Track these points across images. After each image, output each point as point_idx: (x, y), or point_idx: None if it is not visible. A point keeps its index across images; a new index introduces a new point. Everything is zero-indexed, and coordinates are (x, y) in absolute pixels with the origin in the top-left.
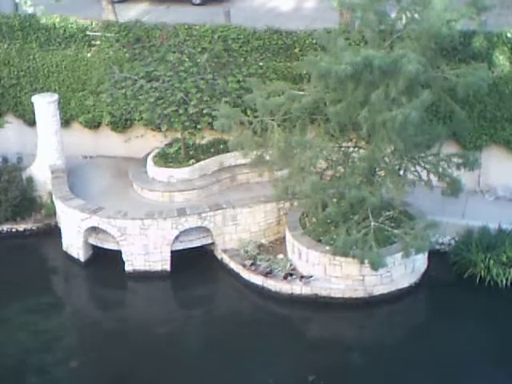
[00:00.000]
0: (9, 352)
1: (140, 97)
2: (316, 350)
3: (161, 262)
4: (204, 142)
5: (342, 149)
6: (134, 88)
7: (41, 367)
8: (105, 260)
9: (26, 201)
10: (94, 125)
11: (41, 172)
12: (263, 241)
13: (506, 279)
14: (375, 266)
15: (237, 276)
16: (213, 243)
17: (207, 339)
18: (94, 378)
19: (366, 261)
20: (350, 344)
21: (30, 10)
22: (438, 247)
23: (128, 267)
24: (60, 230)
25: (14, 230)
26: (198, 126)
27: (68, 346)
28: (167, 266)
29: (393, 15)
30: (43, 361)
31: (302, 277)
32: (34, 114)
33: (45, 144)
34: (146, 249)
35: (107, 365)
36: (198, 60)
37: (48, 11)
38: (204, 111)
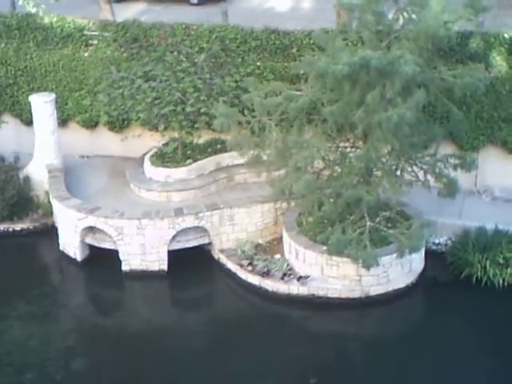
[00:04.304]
0: (5, 353)
1: (137, 97)
2: (313, 350)
3: (158, 261)
4: (201, 141)
5: (339, 149)
6: (131, 88)
7: (37, 368)
8: (102, 260)
9: (22, 200)
10: (91, 124)
11: (38, 171)
12: (260, 241)
13: (503, 280)
14: (367, 264)
15: (234, 276)
16: (210, 243)
17: (204, 339)
18: (90, 378)
19: (360, 260)
20: (346, 344)
21: (33, 10)
22: (434, 247)
23: (125, 267)
24: (57, 229)
25: (10, 229)
26: (196, 126)
27: (64, 347)
28: (164, 266)
29: (390, 16)
30: (39, 362)
31: (299, 277)
32: (31, 113)
33: (42, 143)
34: (143, 248)
35: (104, 365)
36: (196, 60)
37: (45, 10)
38: (201, 111)
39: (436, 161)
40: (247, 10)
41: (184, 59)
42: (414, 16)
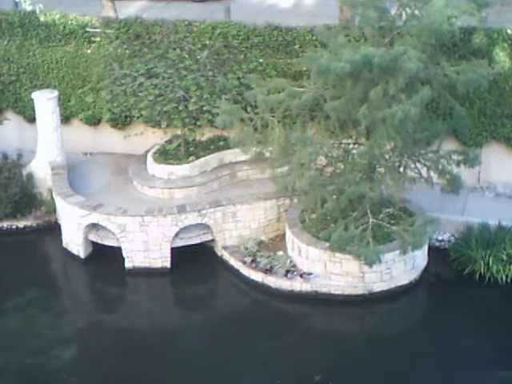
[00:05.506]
0: (8, 349)
1: (140, 94)
2: (316, 347)
3: (161, 258)
4: (204, 138)
5: (342, 145)
6: (133, 85)
7: (38, 365)
8: (105, 257)
9: (25, 197)
10: (93, 121)
11: (41, 169)
12: (263, 238)
13: (506, 276)
14: (369, 261)
15: (237, 273)
16: (213, 240)
17: (207, 336)
18: (91, 375)
19: (362, 257)
20: (349, 341)
21: (29, 8)
22: (437, 244)
23: (128, 264)
24: (60, 226)
25: (14, 226)
26: (198, 123)
27: (66, 344)
28: (167, 263)
29: (393, 12)
30: (39, 358)
31: (302, 274)
32: (33, 110)
33: (45, 140)
34: (146, 245)
35: (106, 362)
36: (198, 57)
37: (48, 8)
38: (204, 108)
39: (439, 157)
40: (250, 7)
41: (186, 56)
42: (416, 12)
